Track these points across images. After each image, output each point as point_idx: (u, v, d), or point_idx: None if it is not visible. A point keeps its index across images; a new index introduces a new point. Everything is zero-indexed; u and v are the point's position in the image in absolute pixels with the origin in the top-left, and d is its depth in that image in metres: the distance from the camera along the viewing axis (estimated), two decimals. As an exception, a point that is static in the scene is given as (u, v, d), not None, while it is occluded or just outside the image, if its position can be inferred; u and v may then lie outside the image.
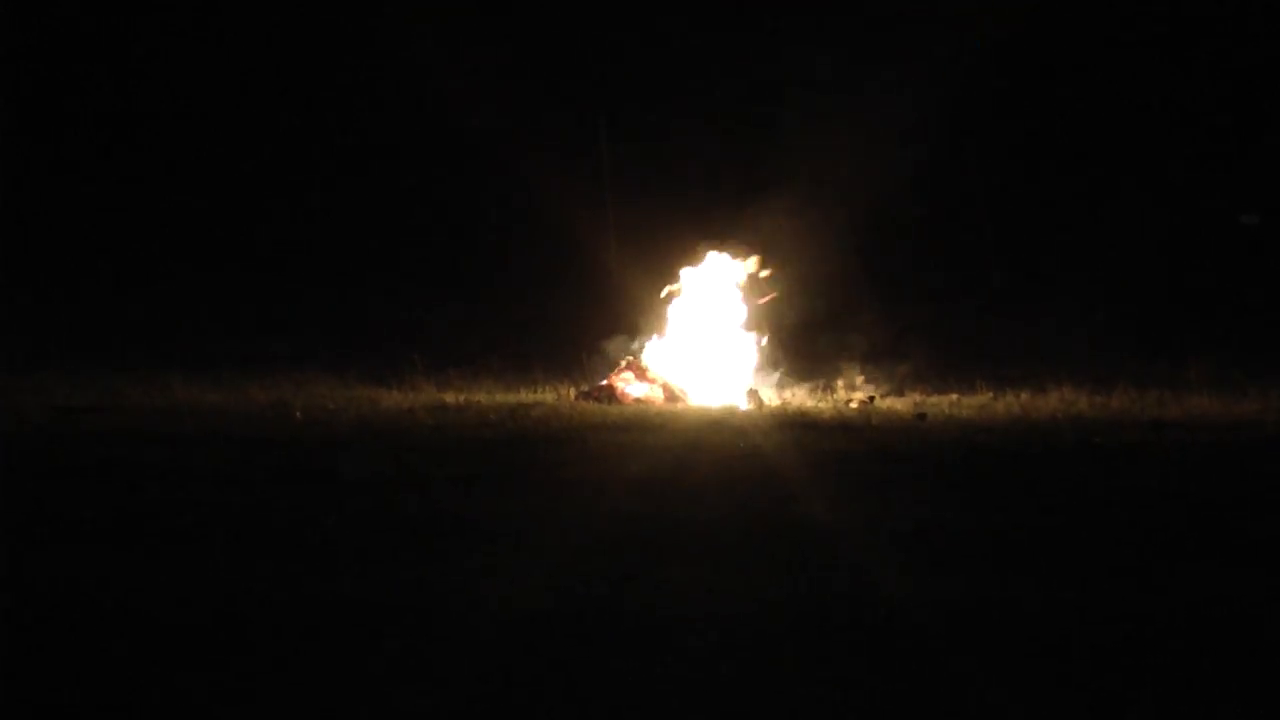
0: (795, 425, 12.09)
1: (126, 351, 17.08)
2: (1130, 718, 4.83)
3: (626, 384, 14.04)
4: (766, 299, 14.79)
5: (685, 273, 14.89)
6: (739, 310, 14.81)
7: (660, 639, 5.54)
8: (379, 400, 13.62)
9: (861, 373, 15.16)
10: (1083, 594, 6.24)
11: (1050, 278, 20.47)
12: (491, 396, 14.02)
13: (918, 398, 14.13)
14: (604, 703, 4.88)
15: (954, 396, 14.03)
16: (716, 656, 5.33)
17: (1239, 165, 22.11)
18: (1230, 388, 13.84)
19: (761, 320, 14.86)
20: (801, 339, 15.49)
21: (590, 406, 13.32)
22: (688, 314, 14.75)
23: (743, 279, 14.83)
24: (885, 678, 5.11)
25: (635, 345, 14.55)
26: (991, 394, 13.96)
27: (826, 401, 13.92)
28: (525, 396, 14.09)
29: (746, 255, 14.85)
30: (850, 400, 13.84)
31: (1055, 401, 13.40)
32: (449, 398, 13.78)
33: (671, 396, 14.03)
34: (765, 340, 14.79)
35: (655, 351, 14.43)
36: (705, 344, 14.59)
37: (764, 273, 14.81)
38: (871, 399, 13.87)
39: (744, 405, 13.69)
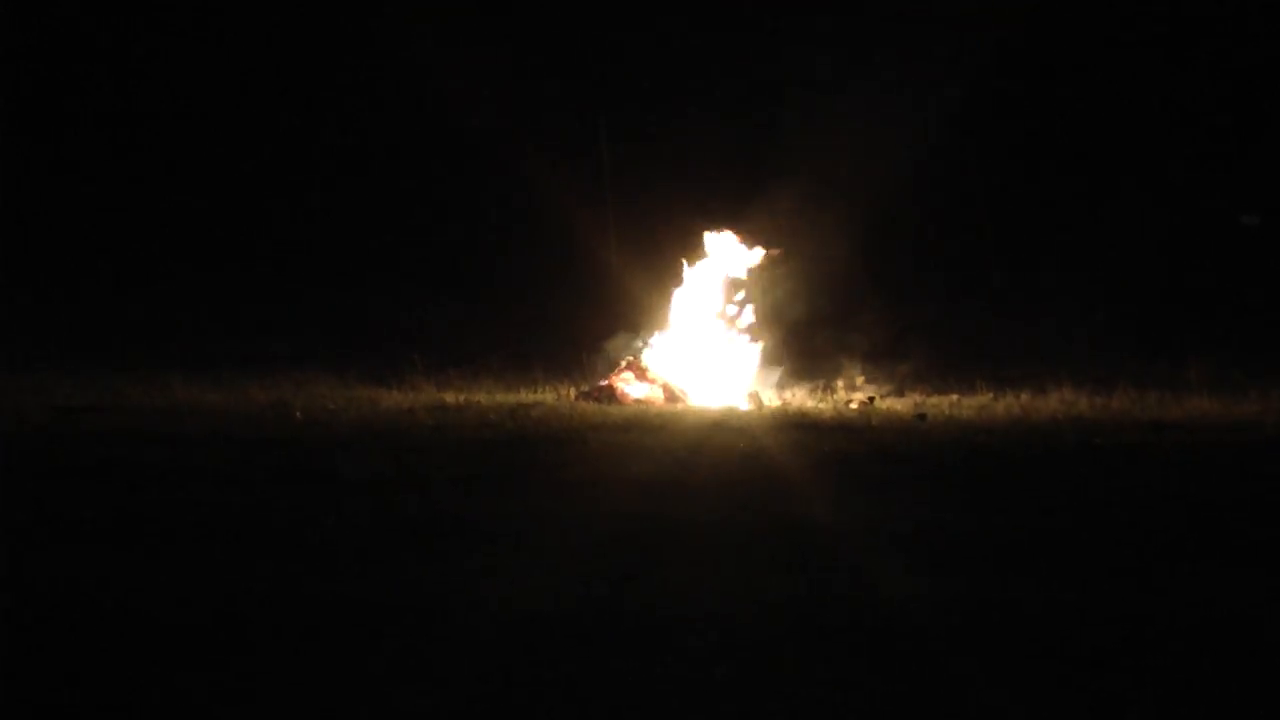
0: (795, 426, 12.10)
1: (126, 351, 17.08)
2: (1130, 718, 4.83)
3: (627, 384, 14.04)
4: (774, 255, 14.80)
5: (689, 267, 14.90)
6: (739, 309, 14.82)
7: (660, 639, 5.54)
8: (379, 400, 13.62)
9: (862, 373, 15.17)
10: (1083, 595, 6.25)
11: (1050, 278, 20.46)
12: (491, 397, 14.02)
13: (918, 398, 14.13)
14: (604, 703, 4.88)
15: (954, 397, 14.03)
16: (716, 657, 5.33)
17: (1239, 165, 22.10)
18: (1230, 389, 13.84)
19: (763, 319, 14.86)
20: (802, 339, 15.49)
21: (590, 407, 13.32)
22: (688, 314, 14.75)
23: (751, 263, 14.85)
24: (885, 678, 5.11)
25: (636, 345, 14.55)
26: (992, 395, 13.96)
27: (827, 402, 13.92)
28: (525, 397, 14.09)
29: (752, 244, 14.86)
30: (850, 401, 13.83)
31: (1055, 402, 13.41)
32: (449, 398, 13.78)
33: (672, 397, 14.03)
34: (765, 340, 14.79)
35: (656, 352, 14.43)
36: (705, 344, 14.60)
37: (772, 252, 14.83)
38: (871, 400, 13.87)
39: (744, 406, 13.69)
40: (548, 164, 21.12)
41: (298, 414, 12.47)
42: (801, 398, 14.31)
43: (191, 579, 6.47)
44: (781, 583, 6.43)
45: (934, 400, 13.93)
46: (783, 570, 6.69)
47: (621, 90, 22.70)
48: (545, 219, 21.23)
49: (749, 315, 14.86)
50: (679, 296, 14.85)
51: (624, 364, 14.26)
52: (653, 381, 14.12)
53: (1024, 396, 13.73)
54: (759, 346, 14.77)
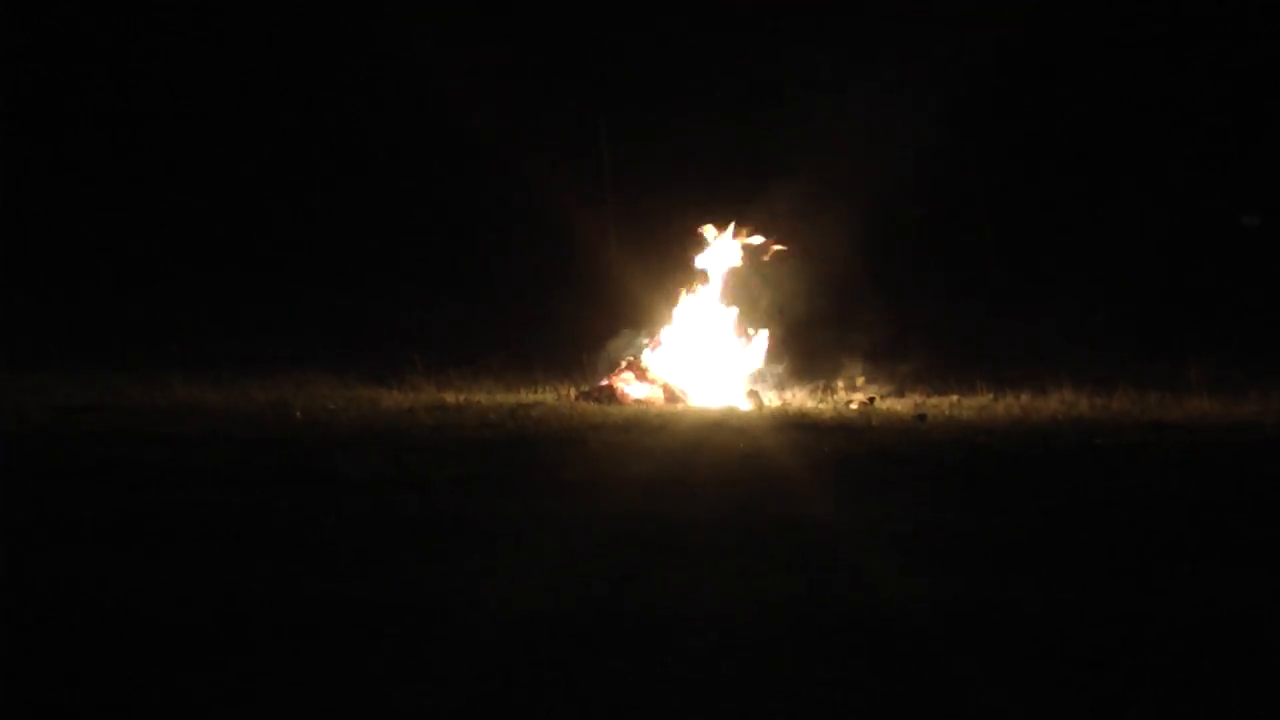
0: (795, 426, 12.10)
1: (126, 351, 17.07)
2: (1130, 718, 4.83)
3: (627, 384, 14.04)
4: (773, 250, 14.81)
5: (689, 267, 14.91)
6: (739, 310, 14.82)
7: (660, 639, 5.54)
8: (379, 400, 13.62)
9: (862, 373, 15.16)
10: (1083, 595, 6.25)
11: (1050, 278, 20.46)
12: (492, 397, 14.02)
13: (918, 399, 14.13)
14: (604, 703, 4.88)
15: (954, 398, 14.03)
16: (716, 657, 5.33)
17: (1239, 165, 22.10)
18: (1231, 389, 13.84)
19: (763, 319, 14.86)
20: (802, 339, 15.49)
21: (590, 407, 13.32)
22: (689, 314, 14.75)
23: (752, 262, 14.86)
24: (885, 679, 5.11)
25: (636, 346, 14.55)
26: (992, 395, 13.96)
27: (827, 402, 13.92)
28: (525, 397, 14.09)
29: (752, 236, 14.87)
30: (850, 401, 13.83)
31: (1055, 403, 13.40)
32: (449, 398, 13.78)
33: (672, 397, 14.03)
34: (766, 341, 14.79)
35: (656, 352, 14.43)
36: (706, 345, 14.60)
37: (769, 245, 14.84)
38: (872, 400, 13.87)
39: (744, 406, 13.69)
40: (548, 164, 21.12)
41: (298, 414, 12.47)
42: (802, 398, 14.31)
43: (191, 579, 6.47)
44: (781, 583, 6.43)
45: (934, 401, 13.93)
46: (783, 570, 6.69)
47: (622, 90, 22.70)
48: (545, 219, 21.23)
49: (749, 315, 14.85)
50: (679, 296, 14.85)
51: (624, 364, 14.26)
52: (653, 382, 14.12)
53: (1024, 397, 13.73)
54: (759, 347, 14.77)
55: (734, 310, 14.79)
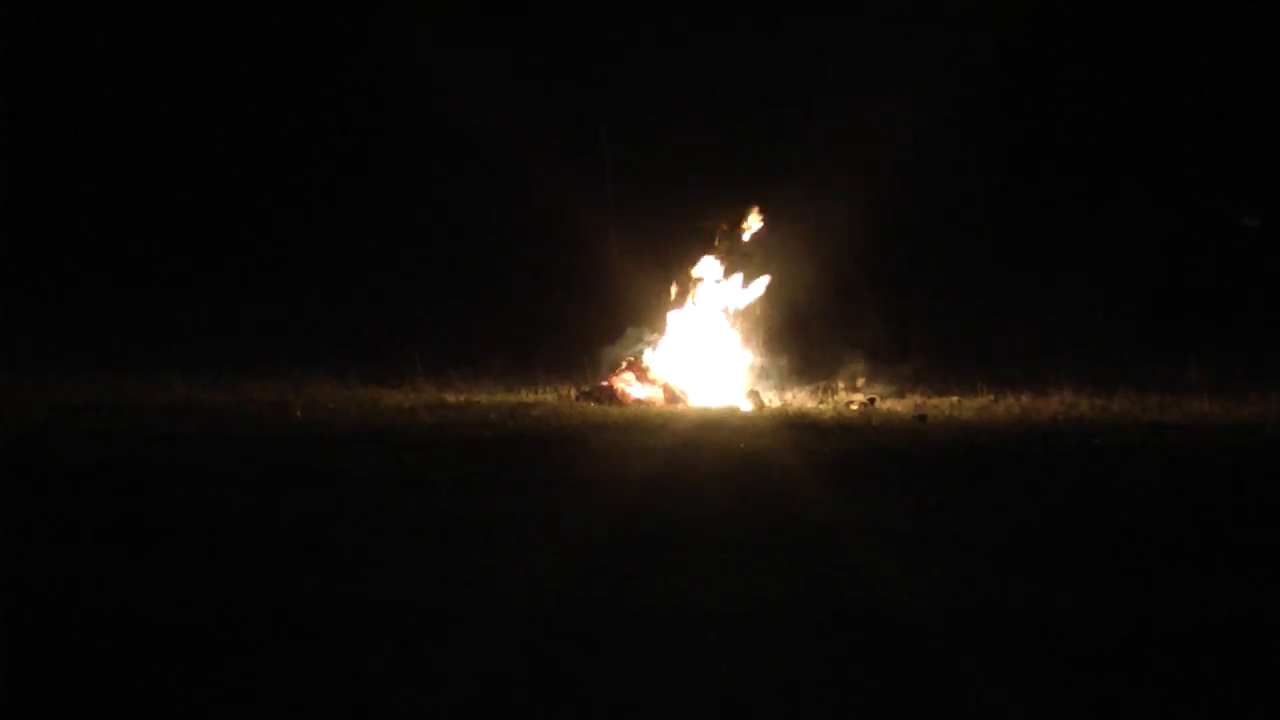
0: (796, 426, 12.10)
1: (126, 351, 17.08)
2: (1130, 718, 4.83)
3: (627, 385, 14.05)
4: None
5: (689, 268, 14.91)
6: (739, 311, 14.82)
7: (660, 639, 5.53)
8: (379, 400, 13.62)
9: (862, 374, 15.17)
10: (1083, 595, 6.24)
11: (1050, 278, 20.45)
12: (492, 396, 14.02)
13: (918, 399, 14.13)
14: (604, 703, 4.88)
15: (955, 398, 14.03)
16: (716, 657, 5.32)
17: (1240, 166, 22.09)
18: (1231, 390, 13.84)
19: (763, 319, 14.86)
20: (803, 339, 15.49)
21: (591, 407, 13.33)
22: (689, 315, 14.75)
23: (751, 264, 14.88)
24: (885, 678, 5.11)
25: (636, 346, 14.55)
26: (992, 396, 13.96)
27: (827, 403, 13.92)
28: (526, 397, 14.09)
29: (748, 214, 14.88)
30: (851, 402, 13.84)
31: (1056, 404, 13.41)
32: (450, 398, 13.78)
33: (672, 397, 14.04)
34: (766, 341, 14.80)
35: (656, 352, 14.43)
36: (706, 345, 14.60)
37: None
38: (872, 400, 13.87)
39: (745, 406, 13.69)
40: (549, 164, 21.12)
41: (298, 414, 12.48)
42: (802, 398, 14.31)
43: (191, 579, 6.47)
44: (781, 582, 6.43)
45: (934, 401, 13.93)
46: (783, 569, 6.69)
47: (622, 90, 22.69)
48: (546, 219, 21.23)
49: (749, 316, 14.85)
50: (680, 296, 14.85)
51: (625, 364, 14.26)
52: (653, 382, 14.13)
53: (1024, 398, 13.73)
54: (760, 347, 14.77)
55: (735, 310, 14.79)
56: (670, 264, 15.36)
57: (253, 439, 10.96)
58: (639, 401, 13.84)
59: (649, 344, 14.51)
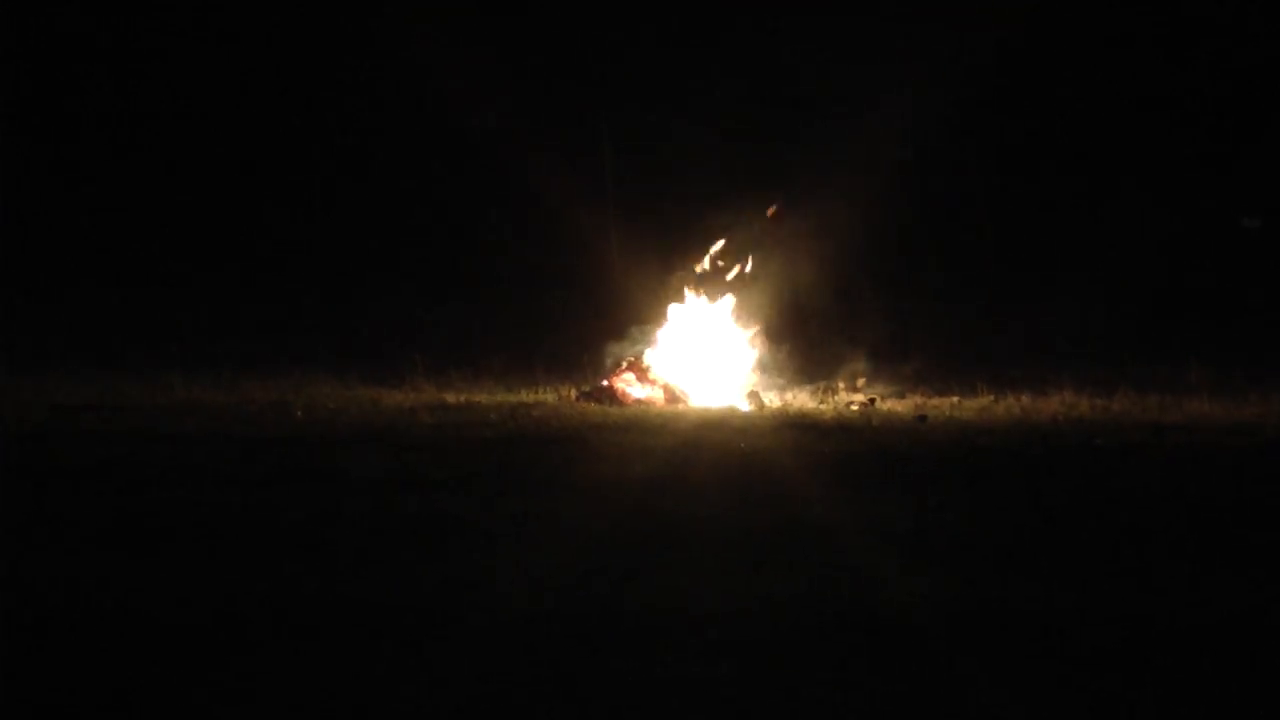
0: (796, 426, 12.10)
1: (126, 351, 17.08)
2: (1130, 718, 4.83)
3: (628, 385, 14.05)
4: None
5: (690, 268, 14.92)
6: (740, 313, 14.82)
7: (660, 639, 5.53)
8: (380, 400, 13.62)
9: (863, 374, 15.17)
10: (1083, 595, 6.25)
11: (1050, 278, 20.45)
12: (492, 397, 14.03)
13: (919, 400, 14.13)
14: (604, 703, 4.88)
15: (955, 398, 14.03)
16: (717, 657, 5.32)
17: (1240, 167, 22.09)
18: (1231, 391, 13.84)
19: (764, 320, 14.87)
20: (803, 340, 15.49)
21: (591, 407, 13.33)
22: (690, 315, 14.76)
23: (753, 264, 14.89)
24: (885, 678, 5.11)
25: (637, 346, 14.56)
26: (992, 396, 13.96)
27: (827, 403, 13.92)
28: (526, 397, 14.09)
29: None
30: (851, 402, 13.84)
31: (1056, 404, 13.41)
32: (450, 398, 13.78)
33: (672, 397, 14.04)
34: (767, 341, 14.80)
35: (657, 352, 14.43)
36: (707, 345, 14.60)
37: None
38: (872, 401, 13.87)
39: (745, 407, 13.69)
40: (549, 164, 21.12)
41: (299, 414, 12.48)
42: (802, 399, 14.31)
43: (191, 579, 6.47)
44: (781, 582, 6.43)
45: (935, 402, 13.93)
46: (783, 570, 6.69)
47: (623, 90, 22.70)
48: (546, 219, 21.23)
49: (750, 316, 14.86)
50: (680, 297, 14.85)
51: (625, 364, 14.26)
52: (653, 382, 14.12)
53: (1025, 398, 13.73)
54: (760, 347, 14.77)
55: (735, 311, 14.79)
56: (670, 264, 15.36)
57: (253, 439, 10.96)
58: (639, 402, 13.84)
59: (649, 344, 14.51)
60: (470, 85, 21.90)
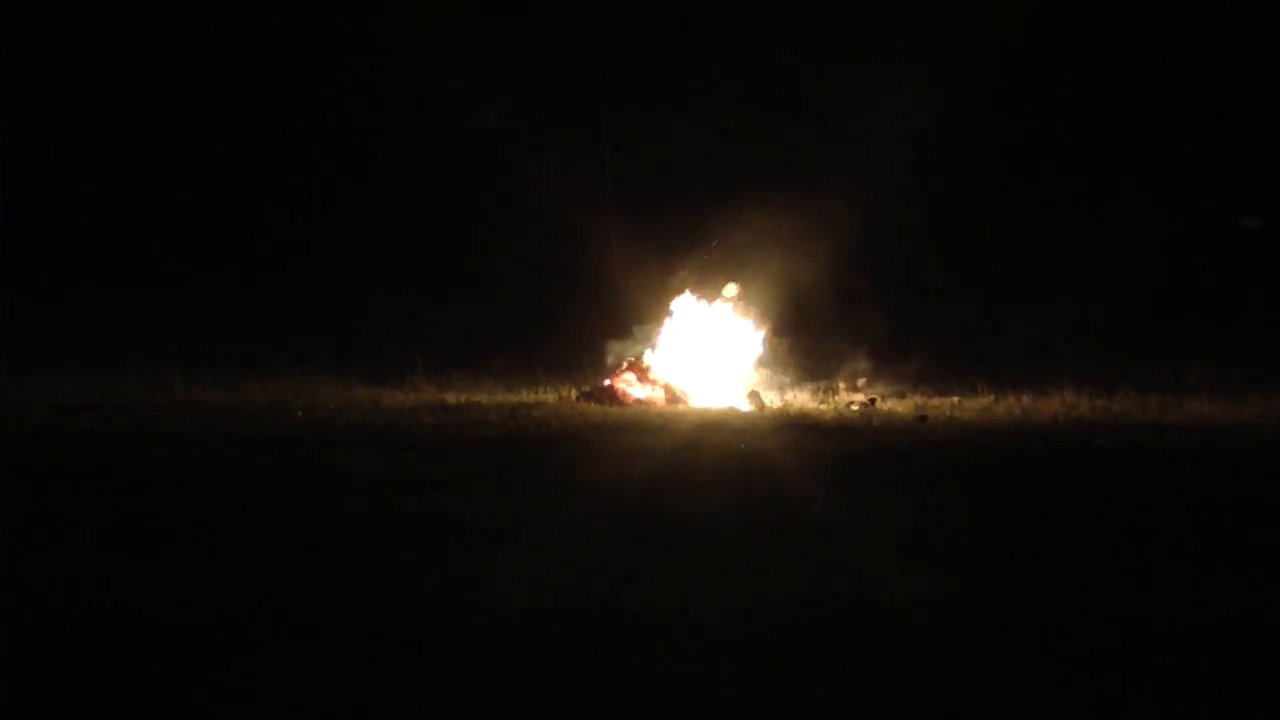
0: (796, 427, 12.10)
1: (126, 351, 17.09)
2: (1130, 718, 4.83)
3: (628, 385, 14.05)
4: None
5: (691, 268, 14.93)
6: (740, 314, 14.83)
7: (661, 638, 5.54)
8: (380, 400, 13.62)
9: (863, 374, 15.17)
10: (1083, 595, 6.25)
11: (1050, 278, 20.47)
12: (493, 397, 14.03)
13: (919, 400, 14.13)
14: (604, 703, 4.88)
15: (955, 399, 14.03)
16: (716, 657, 5.32)
17: (1240, 167, 22.10)
18: (1231, 392, 13.85)
19: (764, 320, 14.87)
20: (804, 340, 15.50)
21: (591, 407, 13.33)
22: (691, 316, 14.76)
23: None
24: (885, 678, 5.11)
25: (637, 346, 14.56)
26: (993, 397, 13.96)
27: (828, 403, 13.92)
28: (527, 397, 14.09)
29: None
30: (852, 402, 13.84)
31: (1057, 404, 13.41)
32: (450, 398, 13.79)
33: (673, 398, 14.04)
34: (767, 342, 14.80)
35: (657, 352, 14.44)
36: (707, 346, 14.60)
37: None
38: (873, 401, 13.87)
39: (745, 407, 13.70)
40: (549, 164, 21.13)
41: (299, 414, 12.48)
42: (803, 399, 14.31)
43: (191, 579, 6.47)
44: (782, 582, 6.44)
45: (935, 402, 13.93)
46: (783, 570, 6.69)
47: (623, 90, 22.71)
48: (547, 220, 21.24)
49: (750, 316, 14.86)
50: (681, 297, 14.86)
51: (625, 364, 14.26)
52: (654, 382, 14.13)
53: (1025, 398, 13.73)
54: (761, 348, 14.78)
55: (736, 311, 14.78)
56: (671, 264, 15.37)
57: (253, 439, 10.96)
58: (639, 402, 13.84)
59: (650, 344, 14.52)
60: (470, 85, 21.91)
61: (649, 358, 14.35)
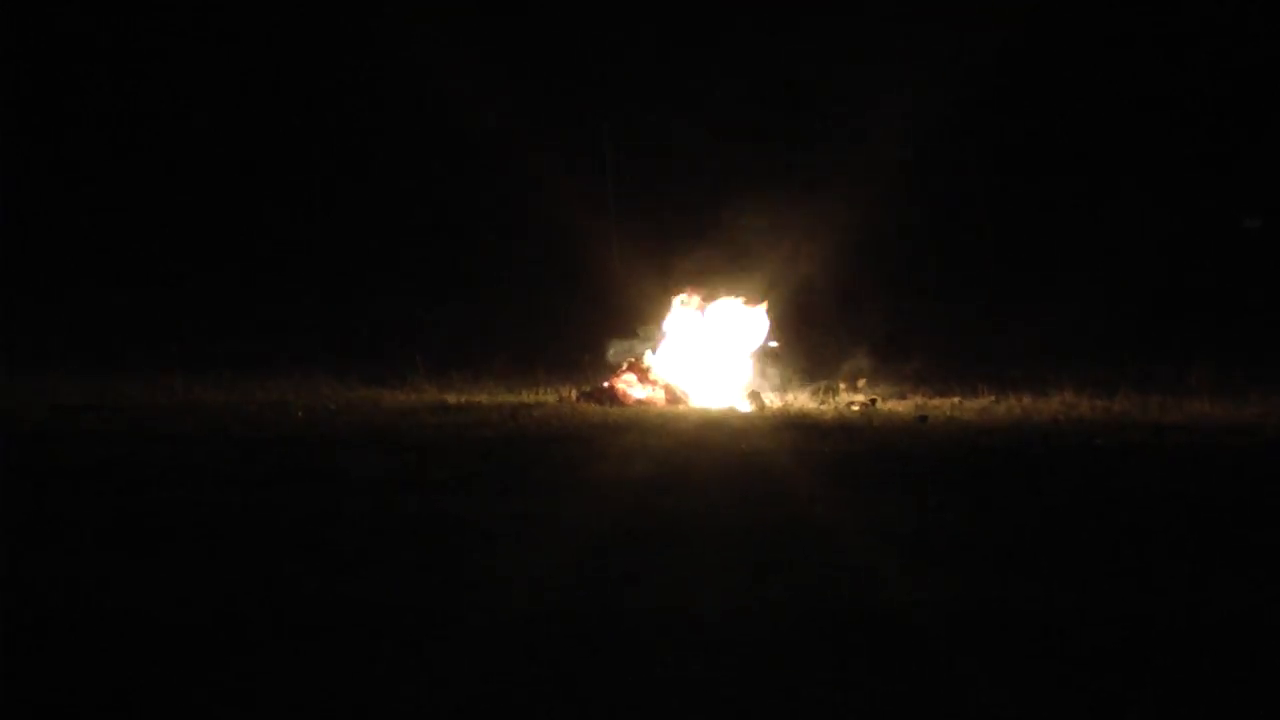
0: (796, 427, 12.09)
1: (126, 351, 17.07)
2: (1130, 718, 4.83)
3: (628, 385, 14.04)
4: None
5: (691, 269, 14.93)
6: (741, 314, 14.81)
7: (660, 638, 5.53)
8: (380, 400, 13.62)
9: (863, 375, 15.16)
10: (1083, 595, 6.25)
11: (1050, 278, 20.46)
12: (493, 397, 14.02)
13: (919, 400, 14.12)
14: (604, 703, 4.88)
15: (956, 399, 14.02)
16: (717, 656, 5.32)
17: (1240, 167, 22.10)
18: (1232, 392, 13.84)
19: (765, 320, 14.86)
20: (804, 340, 15.48)
21: (592, 408, 13.32)
22: (691, 316, 14.75)
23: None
24: (885, 678, 5.11)
25: (637, 346, 14.55)
26: (993, 397, 13.95)
27: (828, 404, 13.91)
28: (527, 397, 14.08)
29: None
30: (852, 403, 13.83)
31: (1057, 404, 13.40)
32: (450, 398, 13.78)
33: (673, 398, 14.03)
34: (767, 342, 14.79)
35: (657, 353, 14.43)
36: (708, 346, 14.59)
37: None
38: (873, 401, 13.86)
39: (745, 407, 13.69)
40: (549, 164, 21.12)
41: (299, 414, 12.47)
42: (803, 399, 14.30)
43: (191, 579, 6.47)
44: (781, 582, 6.43)
45: (935, 402, 13.92)
46: (783, 570, 6.69)
47: (623, 90, 22.70)
48: (547, 220, 21.23)
49: (751, 316, 14.85)
50: (681, 297, 14.84)
51: (625, 365, 14.26)
52: (654, 382, 14.12)
53: (1025, 398, 13.72)
54: (761, 348, 14.76)
55: (736, 311, 14.78)
56: (671, 264, 15.36)
57: (253, 439, 10.95)
58: (640, 402, 13.83)
59: (650, 344, 14.51)
60: (470, 85, 21.90)
61: (649, 358, 14.34)
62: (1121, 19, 22.07)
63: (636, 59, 22.44)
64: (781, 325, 14.93)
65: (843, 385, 14.82)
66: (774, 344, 14.71)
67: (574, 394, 14.11)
